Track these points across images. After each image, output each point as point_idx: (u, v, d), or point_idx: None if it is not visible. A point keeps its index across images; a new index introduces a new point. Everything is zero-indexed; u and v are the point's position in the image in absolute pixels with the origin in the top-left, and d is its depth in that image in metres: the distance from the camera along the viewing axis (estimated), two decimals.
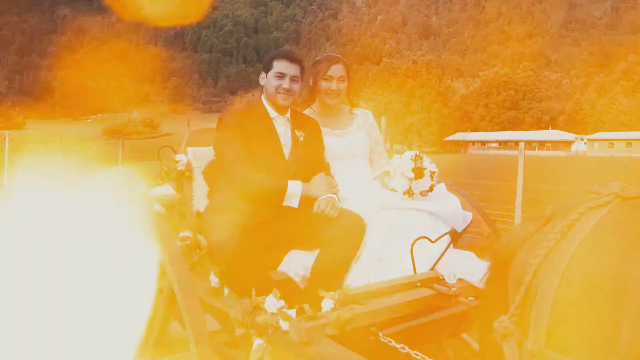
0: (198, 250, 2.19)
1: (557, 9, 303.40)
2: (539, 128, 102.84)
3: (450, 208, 2.47)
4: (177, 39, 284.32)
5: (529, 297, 1.44)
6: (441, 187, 2.61)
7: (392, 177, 2.52)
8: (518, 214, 7.88)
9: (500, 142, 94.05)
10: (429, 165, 2.46)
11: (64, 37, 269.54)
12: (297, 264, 2.40)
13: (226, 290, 2.15)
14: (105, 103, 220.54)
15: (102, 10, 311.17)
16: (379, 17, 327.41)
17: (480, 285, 2.06)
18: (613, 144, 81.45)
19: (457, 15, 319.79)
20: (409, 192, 2.43)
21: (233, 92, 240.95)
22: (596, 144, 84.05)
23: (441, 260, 2.24)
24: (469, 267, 2.14)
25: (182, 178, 2.71)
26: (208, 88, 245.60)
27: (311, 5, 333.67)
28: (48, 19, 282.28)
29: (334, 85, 2.79)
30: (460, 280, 2.11)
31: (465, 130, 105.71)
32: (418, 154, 2.48)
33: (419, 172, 2.42)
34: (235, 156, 2.41)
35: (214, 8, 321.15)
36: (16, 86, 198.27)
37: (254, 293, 1.95)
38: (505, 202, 11.23)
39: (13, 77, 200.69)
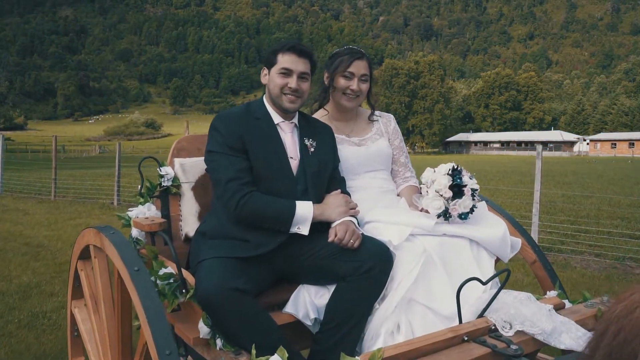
0: (184, 291, 1.72)
1: (558, 10, 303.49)
2: (541, 129, 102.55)
3: (495, 233, 2.01)
4: (179, 39, 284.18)
5: None
6: (482, 207, 2.15)
7: (423, 196, 2.05)
8: (536, 220, 7.43)
9: (502, 143, 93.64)
10: (469, 181, 2.00)
11: (65, 38, 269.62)
12: (307, 303, 1.94)
13: (219, 343, 1.70)
14: (107, 104, 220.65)
15: (104, 11, 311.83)
16: (381, 18, 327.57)
17: (552, 342, 1.61)
18: (615, 144, 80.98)
19: (458, 16, 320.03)
20: (446, 215, 1.97)
21: (235, 93, 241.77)
22: (598, 145, 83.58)
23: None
24: (530, 316, 1.66)
25: (168, 196, 2.23)
26: (210, 89, 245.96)
27: (313, 6, 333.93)
28: (50, 20, 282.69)
29: (354, 84, 2.31)
30: (519, 332, 1.63)
31: (467, 131, 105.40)
32: (455, 167, 2.01)
33: (458, 191, 1.95)
34: (231, 172, 1.94)
35: (216, 9, 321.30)
36: (17, 87, 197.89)
37: (254, 352, 1.53)
38: (516, 208, 10.82)
39: (14, 78, 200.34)
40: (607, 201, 12.72)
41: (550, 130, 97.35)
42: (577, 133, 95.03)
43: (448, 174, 1.99)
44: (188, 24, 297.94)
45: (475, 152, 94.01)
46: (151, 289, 1.60)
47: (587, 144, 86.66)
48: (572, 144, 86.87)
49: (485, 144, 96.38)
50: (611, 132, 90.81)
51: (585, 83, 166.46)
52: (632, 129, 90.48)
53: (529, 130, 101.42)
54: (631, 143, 79.20)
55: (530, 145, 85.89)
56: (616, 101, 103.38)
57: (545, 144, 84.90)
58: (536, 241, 7.23)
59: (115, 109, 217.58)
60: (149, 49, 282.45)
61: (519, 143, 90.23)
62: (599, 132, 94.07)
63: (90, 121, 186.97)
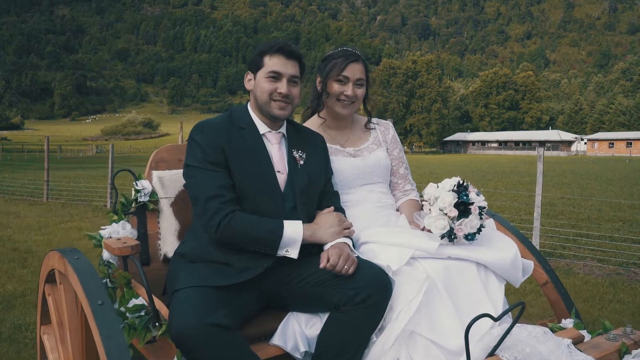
0: (157, 324, 1.57)
1: (555, 9, 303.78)
2: (539, 128, 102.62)
3: (506, 256, 1.81)
4: (176, 39, 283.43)
5: None
6: (490, 225, 1.95)
7: (426, 214, 1.85)
8: (537, 225, 7.24)
9: (500, 142, 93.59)
10: (476, 198, 1.80)
11: (62, 37, 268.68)
12: (297, 334, 1.75)
13: None
14: (104, 103, 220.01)
15: (101, 10, 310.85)
16: (379, 18, 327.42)
17: None
18: (613, 144, 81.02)
19: (456, 15, 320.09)
20: (450, 236, 1.77)
21: (232, 92, 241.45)
22: (596, 144, 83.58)
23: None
24: (547, 354, 1.45)
25: (145, 212, 2.03)
26: (207, 88, 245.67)
27: (310, 5, 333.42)
28: (47, 19, 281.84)
29: (349, 89, 2.11)
30: None
31: (465, 131, 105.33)
32: (461, 182, 1.81)
33: (464, 209, 1.76)
34: (211, 189, 1.74)
35: (214, 8, 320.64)
36: (14, 86, 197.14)
37: None
38: (516, 211, 10.65)
39: (11, 78, 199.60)
40: (608, 203, 12.54)
41: (548, 129, 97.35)
42: (575, 132, 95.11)
43: (453, 190, 1.78)
44: (185, 23, 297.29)
45: (473, 152, 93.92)
46: (116, 327, 1.38)
47: (585, 143, 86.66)
48: (569, 143, 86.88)
49: (483, 143, 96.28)
50: (609, 131, 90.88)
51: (582, 82, 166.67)
52: (629, 129, 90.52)
53: (527, 129, 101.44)
54: (629, 142, 79.21)
55: (528, 144, 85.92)
56: (614, 100, 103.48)
57: (543, 143, 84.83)
58: (537, 247, 7.06)
59: (112, 108, 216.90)
60: (146, 49, 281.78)
61: (516, 142, 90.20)
62: (597, 131, 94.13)
63: (87, 121, 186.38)
